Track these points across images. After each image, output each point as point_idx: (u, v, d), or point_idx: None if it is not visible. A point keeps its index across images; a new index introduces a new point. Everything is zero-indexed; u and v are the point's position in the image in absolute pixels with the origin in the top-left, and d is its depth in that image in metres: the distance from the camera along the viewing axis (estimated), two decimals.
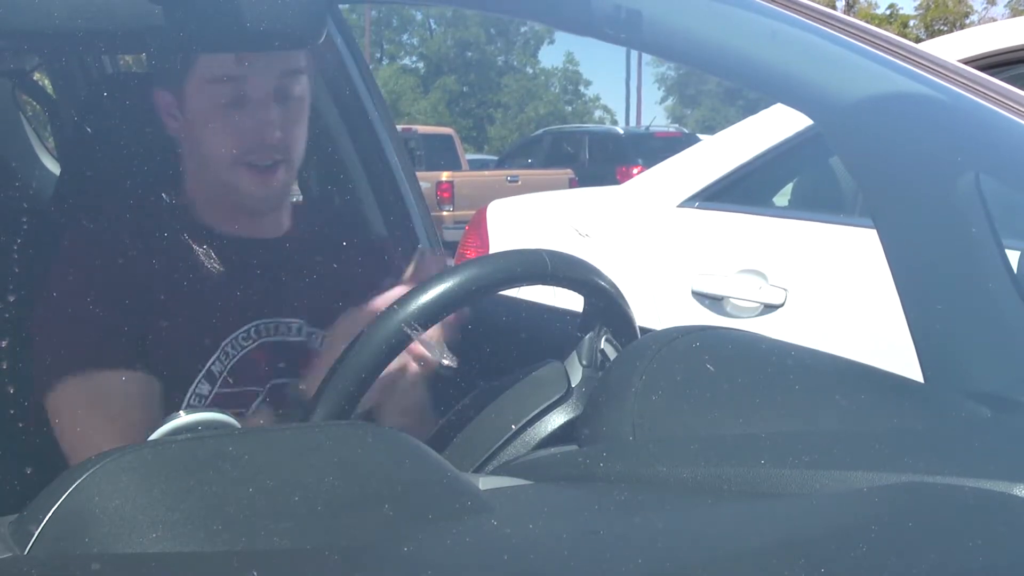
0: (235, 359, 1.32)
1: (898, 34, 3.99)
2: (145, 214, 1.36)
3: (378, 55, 42.28)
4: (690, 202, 3.05)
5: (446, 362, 1.13)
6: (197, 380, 1.30)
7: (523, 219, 3.48)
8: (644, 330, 1.18)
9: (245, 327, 1.34)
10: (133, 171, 1.43)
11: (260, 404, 1.32)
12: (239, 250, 1.36)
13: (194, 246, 1.34)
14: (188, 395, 1.29)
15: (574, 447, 1.02)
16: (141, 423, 1.20)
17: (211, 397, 1.30)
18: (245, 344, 1.33)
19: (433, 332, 1.14)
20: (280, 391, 1.32)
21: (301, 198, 1.88)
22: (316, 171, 1.96)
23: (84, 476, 0.69)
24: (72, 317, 1.27)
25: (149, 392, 1.27)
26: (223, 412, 0.85)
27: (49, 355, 1.27)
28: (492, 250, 3.24)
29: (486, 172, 15.82)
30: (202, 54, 1.30)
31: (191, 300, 1.31)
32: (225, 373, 1.31)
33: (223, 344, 1.32)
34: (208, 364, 1.30)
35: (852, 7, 31.55)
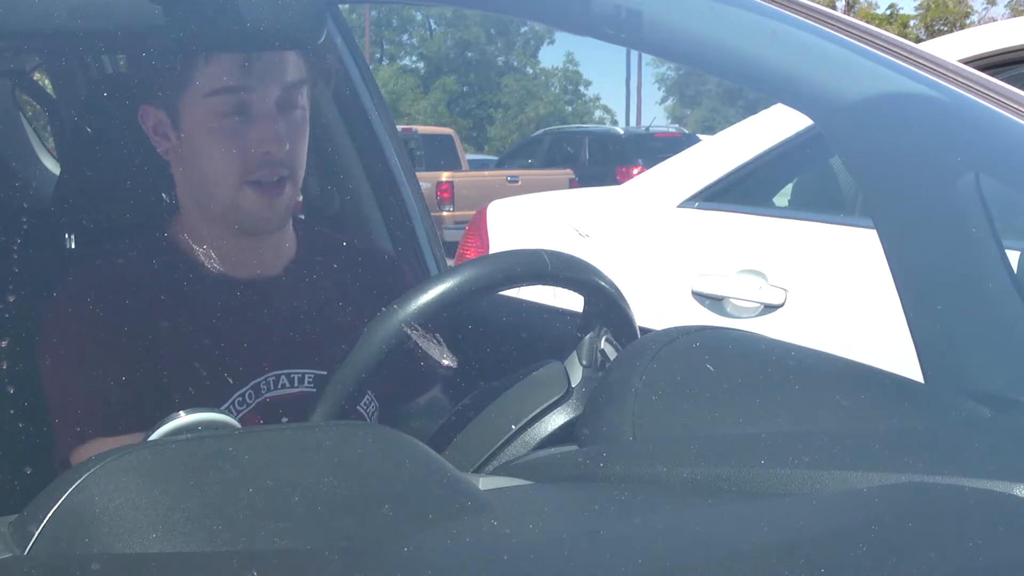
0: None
1: (898, 34, 3.99)
2: (140, 258, 1.29)
3: (378, 55, 42.28)
4: (690, 202, 3.05)
5: (446, 362, 1.13)
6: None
7: (523, 219, 3.48)
8: (644, 330, 1.18)
9: (243, 389, 1.27)
10: (133, 171, 1.43)
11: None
12: (236, 295, 1.28)
13: (187, 296, 1.26)
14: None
15: (574, 447, 1.02)
16: None
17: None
18: (243, 407, 1.27)
19: None
20: None
21: (301, 199, 1.88)
22: (316, 172, 1.96)
23: (84, 476, 0.69)
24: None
25: None
26: (223, 412, 0.85)
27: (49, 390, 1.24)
28: (492, 250, 3.24)
29: (486, 172, 15.82)
30: (198, 65, 1.22)
31: (184, 360, 1.24)
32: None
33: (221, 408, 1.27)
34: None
35: (852, 7, 31.54)
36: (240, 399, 1.28)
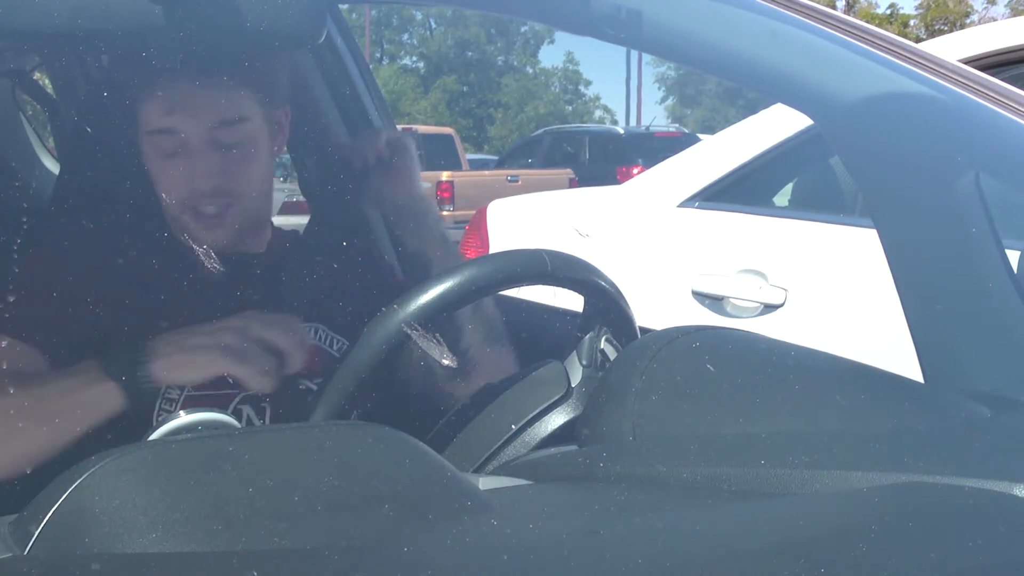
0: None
1: (898, 34, 3.99)
2: (126, 218, 1.37)
3: (378, 55, 42.28)
4: (690, 202, 3.05)
5: (446, 362, 1.13)
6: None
7: (523, 219, 3.48)
8: (644, 330, 1.18)
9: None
10: (133, 171, 1.43)
11: (238, 404, 1.31)
12: (218, 263, 1.35)
13: (170, 254, 1.34)
14: (158, 400, 1.27)
15: (574, 447, 1.02)
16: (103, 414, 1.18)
17: (181, 400, 1.29)
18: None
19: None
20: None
21: (302, 198, 1.88)
22: (316, 172, 1.96)
23: (84, 476, 0.69)
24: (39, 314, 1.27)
25: (115, 387, 1.26)
26: (223, 412, 0.85)
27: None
28: (492, 250, 3.24)
29: (486, 172, 15.83)
30: (143, 103, 1.31)
31: (158, 304, 1.31)
32: None
33: None
34: None
35: (852, 7, 31.55)
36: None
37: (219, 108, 1.30)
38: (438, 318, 1.08)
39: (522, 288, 1.19)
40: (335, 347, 1.40)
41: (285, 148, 1.53)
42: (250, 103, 1.34)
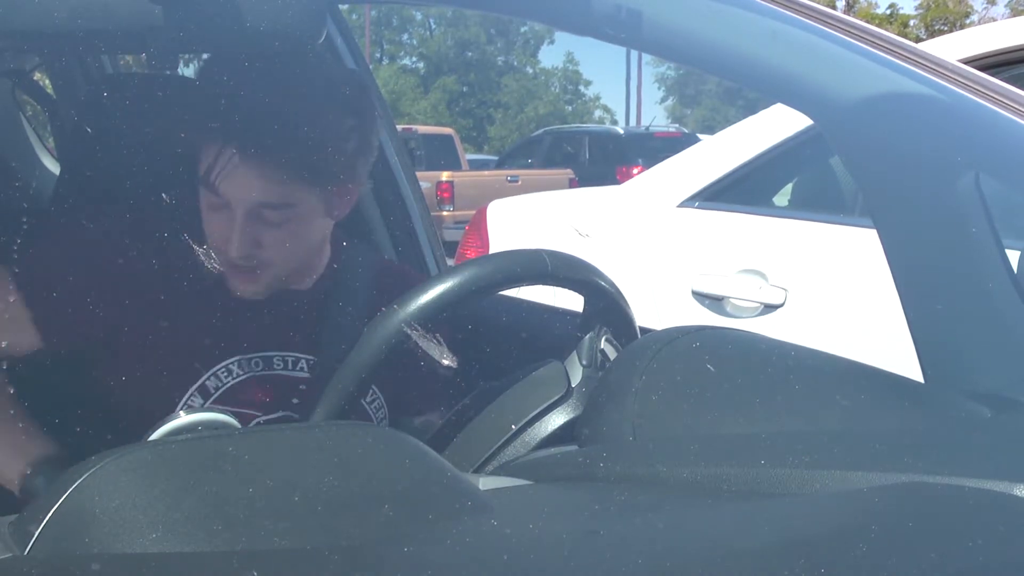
0: (233, 382, 1.32)
1: (898, 34, 3.99)
2: (156, 219, 1.36)
3: (378, 55, 42.27)
4: (690, 202, 3.05)
5: (446, 362, 1.13)
6: (190, 392, 1.30)
7: (523, 219, 3.48)
8: (644, 330, 1.18)
9: (252, 354, 1.34)
10: (133, 171, 1.43)
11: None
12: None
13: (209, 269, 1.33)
14: (179, 407, 1.29)
15: (574, 447, 1.02)
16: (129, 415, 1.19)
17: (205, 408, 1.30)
18: (243, 372, 1.33)
19: None
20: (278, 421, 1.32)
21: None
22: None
23: (84, 476, 0.69)
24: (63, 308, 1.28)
25: (141, 393, 1.27)
26: (222, 412, 0.85)
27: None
28: (492, 250, 3.24)
29: (486, 172, 15.82)
30: (205, 153, 1.29)
31: (198, 314, 1.31)
32: (221, 390, 1.31)
33: (226, 363, 1.32)
34: (203, 379, 1.30)
35: (852, 7, 31.54)
36: (234, 365, 1.33)
37: (267, 190, 1.27)
38: (438, 318, 1.08)
39: (522, 288, 1.19)
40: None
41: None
42: (303, 190, 1.30)
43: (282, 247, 1.31)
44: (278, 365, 1.35)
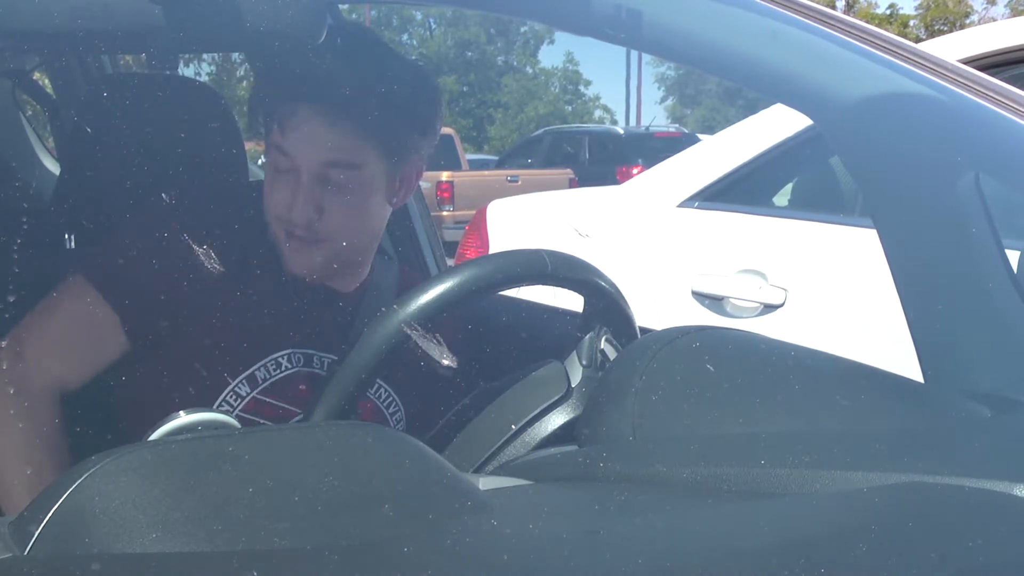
0: (281, 375, 1.34)
1: (898, 34, 3.99)
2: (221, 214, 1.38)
3: None
4: (690, 202, 3.05)
5: (446, 362, 1.13)
6: (238, 380, 1.32)
7: (523, 219, 3.48)
8: (644, 330, 1.18)
9: (299, 350, 1.36)
10: (133, 171, 1.43)
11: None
12: (313, 290, 1.39)
13: (269, 262, 1.36)
14: (226, 392, 1.31)
15: (574, 447, 1.02)
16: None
17: (247, 399, 1.32)
18: (291, 366, 1.35)
19: None
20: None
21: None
22: None
23: (84, 476, 0.69)
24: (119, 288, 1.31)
25: (184, 379, 1.29)
26: (222, 412, 0.85)
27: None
28: (492, 250, 3.24)
29: (486, 172, 15.81)
30: (275, 118, 1.32)
31: (261, 305, 1.34)
32: (269, 381, 1.33)
33: (277, 355, 1.34)
34: (253, 368, 1.32)
35: (852, 7, 31.54)
36: (286, 358, 1.35)
37: (337, 148, 1.30)
38: (438, 318, 1.08)
39: (522, 288, 1.19)
40: (390, 408, 1.41)
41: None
42: (371, 153, 1.32)
43: (343, 218, 1.33)
44: (316, 364, 1.37)
